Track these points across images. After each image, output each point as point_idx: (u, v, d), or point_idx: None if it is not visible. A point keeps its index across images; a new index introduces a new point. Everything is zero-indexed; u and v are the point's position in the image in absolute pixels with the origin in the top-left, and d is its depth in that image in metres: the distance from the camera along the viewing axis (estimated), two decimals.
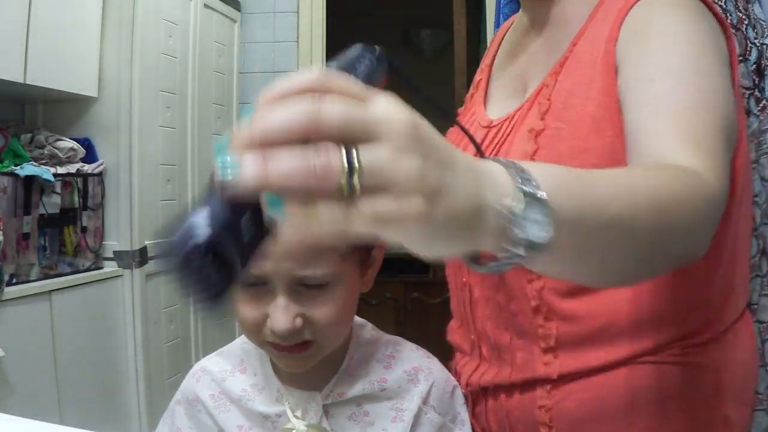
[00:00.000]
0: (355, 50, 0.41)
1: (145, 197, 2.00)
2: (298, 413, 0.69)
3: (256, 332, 0.66)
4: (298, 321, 0.63)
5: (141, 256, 1.99)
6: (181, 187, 2.25)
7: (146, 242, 2.01)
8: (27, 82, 1.65)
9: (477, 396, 0.74)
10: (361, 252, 0.67)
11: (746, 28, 1.45)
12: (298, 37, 2.78)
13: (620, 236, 0.39)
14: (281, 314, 0.62)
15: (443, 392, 0.74)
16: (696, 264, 0.51)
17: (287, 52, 2.78)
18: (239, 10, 2.72)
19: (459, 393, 0.76)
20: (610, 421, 0.60)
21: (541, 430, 0.64)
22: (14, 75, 1.62)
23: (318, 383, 0.71)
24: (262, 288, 0.64)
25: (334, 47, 2.86)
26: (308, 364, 0.68)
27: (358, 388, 0.72)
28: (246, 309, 0.65)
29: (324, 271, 0.63)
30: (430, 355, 0.78)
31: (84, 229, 1.87)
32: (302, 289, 0.64)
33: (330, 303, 0.65)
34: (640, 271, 0.47)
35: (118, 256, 1.95)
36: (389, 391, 0.72)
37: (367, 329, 0.77)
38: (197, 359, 2.30)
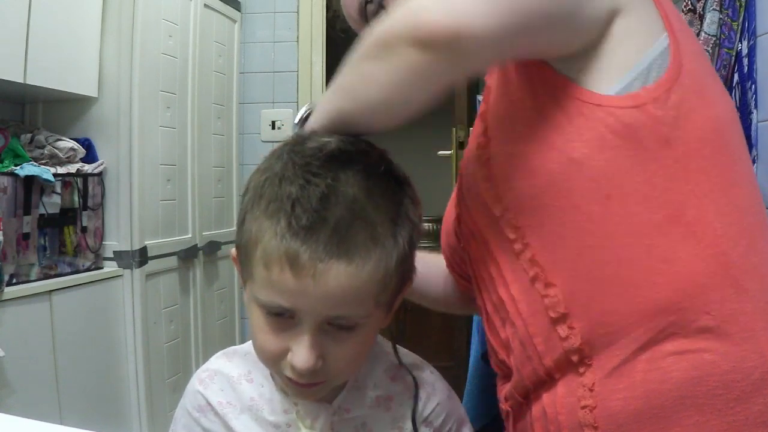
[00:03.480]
0: None
1: (145, 197, 2.00)
2: (308, 423, 0.69)
3: (274, 362, 0.63)
4: (320, 362, 0.61)
5: (141, 256, 1.99)
6: (181, 187, 2.25)
7: (146, 242, 2.02)
8: (27, 82, 1.65)
9: (520, 409, 0.73)
10: (392, 296, 0.65)
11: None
12: (298, 37, 2.78)
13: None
14: (305, 352, 0.59)
15: (447, 414, 0.75)
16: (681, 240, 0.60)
17: (287, 52, 2.78)
18: (239, 10, 2.73)
19: (465, 417, 0.77)
20: (656, 419, 0.60)
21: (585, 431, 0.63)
22: (14, 75, 1.62)
23: (326, 395, 0.70)
24: (287, 319, 0.61)
25: (334, 47, 2.87)
26: (317, 396, 0.67)
27: (364, 406, 0.72)
28: (267, 338, 0.62)
29: (360, 314, 0.61)
30: (434, 370, 0.78)
31: (84, 229, 1.87)
32: (330, 328, 0.61)
33: (353, 346, 0.62)
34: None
35: (118, 256, 1.96)
36: (394, 410, 0.73)
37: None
38: (197, 359, 2.31)
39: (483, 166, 0.72)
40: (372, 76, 0.61)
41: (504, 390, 0.75)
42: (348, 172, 0.61)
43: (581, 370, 0.64)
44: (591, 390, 0.63)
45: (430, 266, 0.93)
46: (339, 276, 0.57)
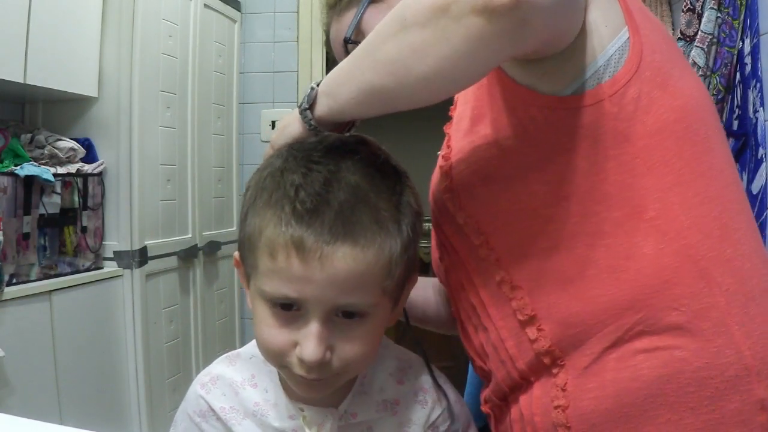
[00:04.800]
0: None
1: (145, 197, 2.00)
2: (314, 429, 0.68)
3: (280, 358, 0.62)
4: (328, 353, 0.60)
5: (141, 256, 1.99)
6: (181, 187, 2.25)
7: (146, 242, 2.01)
8: (27, 82, 1.65)
9: (500, 411, 0.73)
10: (398, 287, 0.64)
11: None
12: (298, 37, 2.78)
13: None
14: (314, 344, 0.58)
15: (453, 417, 0.74)
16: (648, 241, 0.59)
17: (287, 52, 2.78)
18: (239, 10, 2.72)
19: (471, 418, 0.77)
20: (628, 418, 0.59)
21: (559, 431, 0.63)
22: (14, 75, 1.62)
23: (331, 400, 0.69)
24: (294, 312, 0.60)
25: None
26: (324, 392, 0.66)
27: (370, 410, 0.71)
28: (273, 333, 0.61)
29: (366, 301, 0.60)
30: (441, 373, 0.77)
31: (84, 229, 1.87)
32: (338, 319, 0.60)
33: (361, 338, 0.61)
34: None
35: (118, 256, 1.95)
36: (400, 414, 0.72)
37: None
38: (197, 359, 2.31)
39: (445, 176, 0.72)
40: (423, 46, 0.54)
41: (484, 393, 0.75)
42: (348, 161, 0.62)
43: (554, 371, 0.64)
44: (563, 390, 0.62)
45: (425, 288, 0.93)
46: (345, 258, 0.57)
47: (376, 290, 0.60)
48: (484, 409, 0.75)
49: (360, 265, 0.58)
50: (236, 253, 0.67)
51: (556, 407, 0.62)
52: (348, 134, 0.68)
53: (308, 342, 0.59)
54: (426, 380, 0.75)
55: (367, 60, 0.59)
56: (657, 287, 0.59)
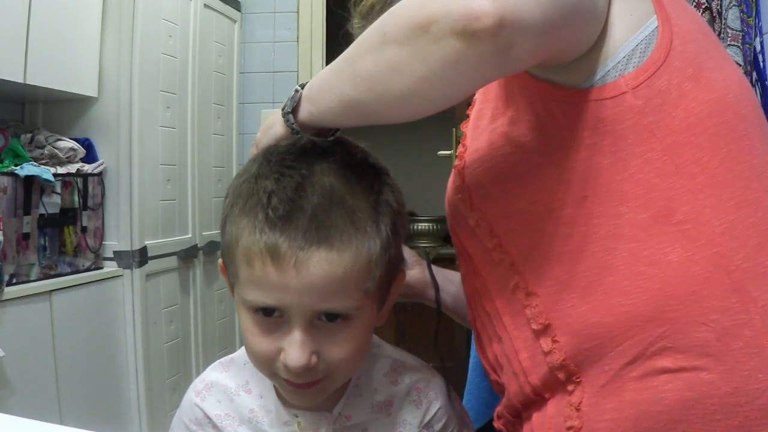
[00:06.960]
0: None
1: (145, 197, 2.00)
2: None
3: (267, 365, 0.62)
4: (314, 358, 0.59)
5: (141, 256, 1.99)
6: (181, 187, 2.25)
7: (146, 242, 2.01)
8: (27, 82, 1.65)
9: (513, 428, 0.69)
10: (382, 287, 0.63)
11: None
12: (298, 37, 2.78)
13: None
14: (298, 350, 0.58)
15: (449, 418, 0.74)
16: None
17: (287, 52, 2.78)
18: (239, 10, 2.72)
19: (466, 418, 0.77)
20: None
21: None
22: (14, 75, 1.62)
23: (325, 404, 0.69)
24: (277, 319, 0.60)
25: (334, 47, 2.87)
26: (317, 399, 0.66)
27: (365, 412, 0.71)
28: (258, 341, 0.61)
29: (348, 304, 0.60)
30: (435, 373, 0.77)
31: (84, 229, 1.87)
32: (321, 323, 0.60)
33: (347, 340, 0.61)
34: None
35: (118, 256, 1.95)
36: (394, 415, 0.72)
37: (372, 341, 0.74)
38: (197, 359, 2.31)
39: (458, 175, 0.70)
40: (401, 65, 0.52)
41: (497, 408, 0.72)
42: (323, 163, 0.61)
43: (570, 388, 0.59)
44: (578, 410, 0.58)
45: (457, 283, 0.89)
46: (321, 263, 0.57)
47: (357, 293, 0.60)
48: (497, 425, 0.72)
49: (337, 269, 0.57)
50: (220, 261, 0.67)
51: (568, 428, 0.58)
52: (332, 138, 0.66)
53: (292, 349, 0.59)
54: (420, 379, 0.74)
55: (347, 71, 0.57)
56: (683, 298, 0.54)
